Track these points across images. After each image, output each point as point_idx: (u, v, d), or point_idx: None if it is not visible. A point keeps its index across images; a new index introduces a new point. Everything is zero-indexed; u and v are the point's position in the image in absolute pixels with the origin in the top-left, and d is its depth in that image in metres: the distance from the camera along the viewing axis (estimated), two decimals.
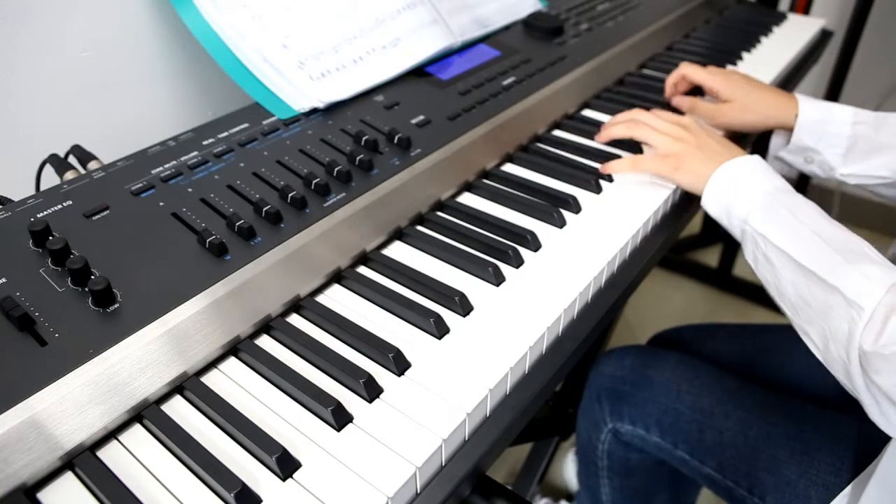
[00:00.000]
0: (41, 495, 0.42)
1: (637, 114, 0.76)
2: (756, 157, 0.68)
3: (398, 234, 0.64)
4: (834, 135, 0.78)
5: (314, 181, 0.60)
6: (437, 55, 0.82)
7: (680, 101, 0.85)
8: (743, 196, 0.65)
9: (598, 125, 0.83)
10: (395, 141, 0.67)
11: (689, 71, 0.85)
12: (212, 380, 0.50)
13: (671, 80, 0.87)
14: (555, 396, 1.28)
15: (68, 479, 0.43)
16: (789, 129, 0.81)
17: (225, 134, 0.66)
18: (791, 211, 0.61)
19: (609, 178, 0.73)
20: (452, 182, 0.70)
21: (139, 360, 0.45)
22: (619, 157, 0.76)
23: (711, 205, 0.68)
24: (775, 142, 0.86)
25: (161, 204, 0.56)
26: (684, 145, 0.70)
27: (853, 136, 0.77)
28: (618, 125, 0.76)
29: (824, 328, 0.55)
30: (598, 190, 0.71)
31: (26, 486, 0.41)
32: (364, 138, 0.66)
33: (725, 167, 0.67)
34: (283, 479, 0.43)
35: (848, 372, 0.52)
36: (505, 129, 0.76)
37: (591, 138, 0.81)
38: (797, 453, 0.71)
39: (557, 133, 0.83)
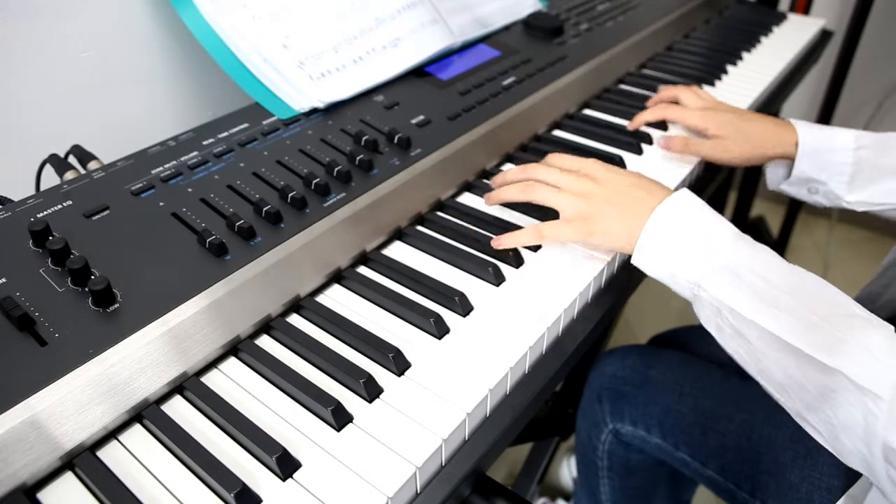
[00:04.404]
0: (41, 495, 0.42)
1: (532, 171, 0.64)
2: (685, 194, 0.58)
3: (398, 234, 0.64)
4: (837, 163, 0.73)
5: (314, 181, 0.60)
6: (437, 55, 0.82)
7: (670, 143, 0.77)
8: (689, 253, 0.54)
9: (598, 124, 0.83)
10: (395, 141, 0.67)
11: (672, 114, 0.80)
12: (212, 380, 0.50)
13: (647, 119, 0.81)
14: (555, 396, 1.28)
15: (68, 479, 0.43)
16: (788, 159, 0.76)
17: (225, 134, 0.66)
18: (753, 270, 0.52)
19: None
20: (452, 182, 0.70)
21: (139, 360, 0.45)
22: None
23: (647, 266, 0.57)
24: (772, 174, 0.80)
25: (161, 204, 0.56)
26: (593, 202, 0.59)
27: (857, 163, 0.72)
28: (510, 188, 0.64)
29: (829, 415, 0.47)
30: None
31: (26, 486, 0.41)
32: (364, 138, 0.66)
33: (654, 220, 0.56)
34: (283, 479, 0.43)
35: (868, 464, 0.46)
36: (505, 129, 0.76)
37: (591, 138, 0.81)
38: (800, 456, 0.70)
39: (557, 133, 0.83)
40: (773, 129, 0.76)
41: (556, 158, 0.66)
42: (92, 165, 0.65)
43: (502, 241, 0.60)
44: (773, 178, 0.80)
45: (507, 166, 0.76)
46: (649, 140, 0.80)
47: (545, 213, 0.64)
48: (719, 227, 0.55)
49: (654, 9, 1.09)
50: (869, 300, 0.75)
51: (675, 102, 0.83)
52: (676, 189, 0.73)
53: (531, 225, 0.61)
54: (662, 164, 0.77)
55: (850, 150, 0.72)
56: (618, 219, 0.58)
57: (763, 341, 0.50)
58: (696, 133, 0.79)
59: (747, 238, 0.55)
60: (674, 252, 0.55)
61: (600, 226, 0.58)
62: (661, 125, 0.83)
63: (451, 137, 0.70)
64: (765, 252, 0.54)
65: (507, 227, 0.64)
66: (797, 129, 0.74)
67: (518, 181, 0.65)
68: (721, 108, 0.79)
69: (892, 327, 0.47)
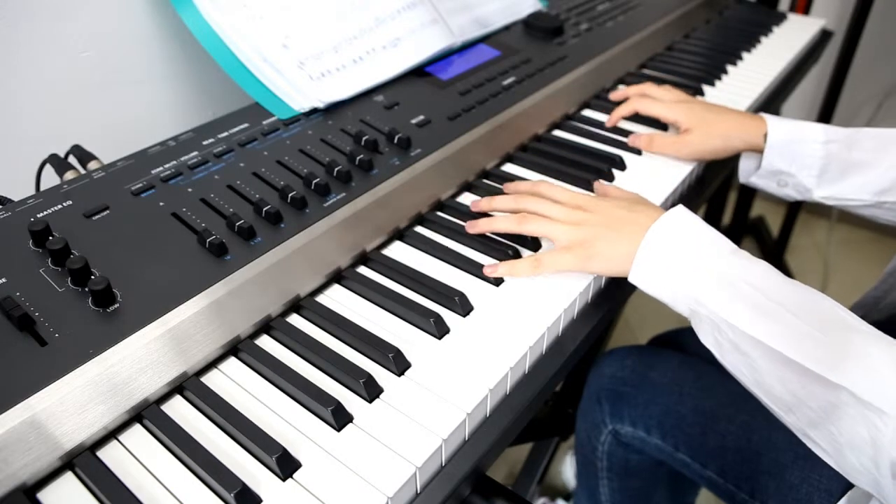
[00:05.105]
0: (41, 495, 0.42)
1: (524, 202, 0.62)
2: (681, 210, 0.58)
3: (398, 234, 0.64)
4: (806, 155, 0.72)
5: (314, 181, 0.60)
6: (437, 55, 0.82)
7: (636, 140, 0.78)
8: (686, 269, 0.54)
9: (598, 125, 0.83)
10: (395, 141, 0.67)
11: (643, 107, 0.80)
12: (212, 380, 0.50)
13: (621, 114, 0.82)
14: (555, 396, 1.28)
15: (68, 479, 0.43)
16: (758, 151, 0.76)
17: (225, 134, 0.66)
18: (751, 284, 0.51)
19: (611, 179, 0.73)
20: (452, 182, 0.70)
21: (139, 360, 0.45)
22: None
23: (645, 283, 0.57)
24: (744, 166, 0.80)
25: (161, 204, 0.56)
26: (588, 229, 0.58)
27: (826, 157, 0.72)
28: (502, 219, 0.62)
29: (832, 431, 0.47)
30: None
31: (26, 486, 0.41)
32: (364, 138, 0.66)
33: (650, 237, 0.56)
34: (283, 479, 0.43)
35: (876, 482, 0.46)
36: (505, 129, 0.76)
37: (591, 138, 0.81)
38: (800, 458, 0.70)
39: (557, 133, 0.83)
40: (743, 122, 0.75)
41: (545, 188, 0.64)
42: (92, 165, 0.65)
43: (497, 270, 0.59)
44: (745, 169, 0.80)
45: (508, 166, 0.76)
46: None
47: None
48: (716, 241, 0.55)
49: (654, 9, 1.09)
50: (871, 305, 0.75)
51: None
52: (676, 189, 0.73)
53: (529, 256, 0.60)
54: (661, 164, 0.77)
55: (819, 143, 0.72)
56: (615, 240, 0.57)
57: (763, 356, 0.49)
58: (667, 126, 0.80)
59: (744, 253, 0.55)
60: (670, 268, 0.55)
61: (599, 249, 0.57)
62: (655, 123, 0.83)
63: (451, 137, 0.70)
64: (762, 266, 0.53)
65: None
66: (767, 121, 0.74)
67: (509, 210, 0.63)
68: (690, 100, 0.80)
69: (893, 341, 0.46)
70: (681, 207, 0.58)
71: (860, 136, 0.72)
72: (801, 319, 0.49)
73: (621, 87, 0.87)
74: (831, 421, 0.46)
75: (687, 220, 0.57)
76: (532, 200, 0.62)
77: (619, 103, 0.85)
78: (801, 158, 0.73)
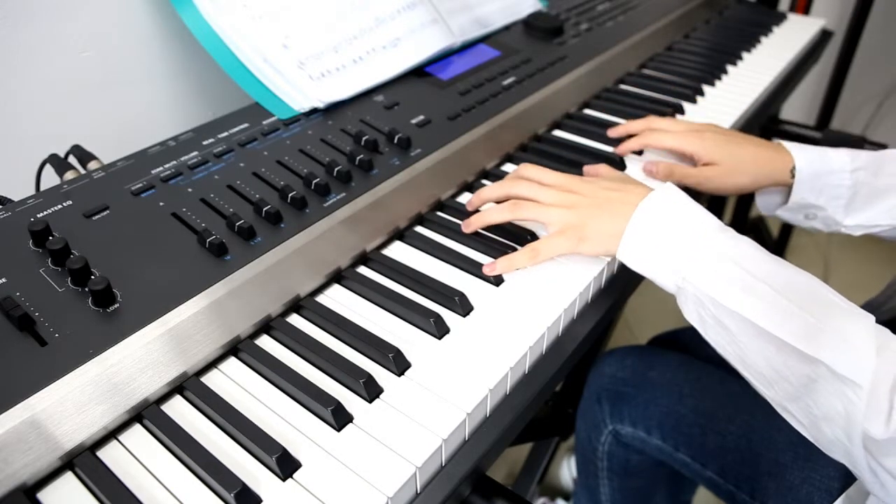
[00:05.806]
0: (41, 495, 0.42)
1: (513, 187, 0.62)
2: (670, 188, 0.58)
3: (398, 234, 0.64)
4: (835, 186, 0.70)
5: (314, 181, 0.60)
6: (437, 55, 0.82)
7: (654, 168, 0.72)
8: (672, 245, 0.54)
9: (598, 124, 0.83)
10: (395, 141, 0.67)
11: (654, 140, 0.75)
12: (212, 380, 0.50)
13: (630, 149, 0.76)
14: (555, 396, 1.28)
15: (68, 479, 0.43)
16: (783, 186, 0.73)
17: (225, 134, 0.66)
18: (736, 261, 0.52)
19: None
20: (452, 182, 0.70)
21: (139, 360, 0.45)
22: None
23: (632, 260, 0.57)
24: (765, 201, 0.78)
25: (161, 204, 0.56)
26: (579, 210, 0.59)
27: (854, 185, 0.70)
28: (494, 210, 0.62)
29: (809, 404, 0.48)
30: None
31: (26, 486, 0.41)
32: (364, 138, 0.66)
33: (639, 215, 0.56)
34: (283, 479, 0.43)
35: (849, 454, 0.47)
36: (505, 129, 0.76)
37: (591, 138, 0.81)
38: (800, 458, 0.70)
39: (557, 133, 0.83)
40: (768, 156, 0.72)
41: (531, 171, 0.64)
42: (92, 165, 0.65)
43: (497, 267, 0.58)
44: (767, 204, 0.78)
45: (508, 166, 0.76)
46: None
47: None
48: (702, 219, 0.56)
49: (654, 9, 1.09)
50: (871, 310, 0.75)
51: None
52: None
53: (525, 246, 0.59)
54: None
55: (847, 172, 0.70)
56: (606, 219, 0.58)
57: (744, 331, 0.50)
58: (681, 159, 0.75)
59: (730, 230, 0.55)
60: (657, 245, 0.55)
61: (590, 229, 0.58)
62: None
63: (451, 137, 0.70)
64: (747, 243, 0.54)
65: (507, 227, 0.64)
66: (793, 154, 0.72)
67: (498, 198, 0.63)
68: (700, 128, 0.74)
69: (871, 317, 0.48)
70: (669, 185, 0.59)
71: (886, 159, 0.70)
72: (783, 295, 0.49)
73: (623, 119, 0.81)
74: (808, 394, 0.48)
75: (675, 198, 0.57)
76: (521, 184, 0.62)
77: (618, 140, 0.79)
78: (830, 189, 0.71)
